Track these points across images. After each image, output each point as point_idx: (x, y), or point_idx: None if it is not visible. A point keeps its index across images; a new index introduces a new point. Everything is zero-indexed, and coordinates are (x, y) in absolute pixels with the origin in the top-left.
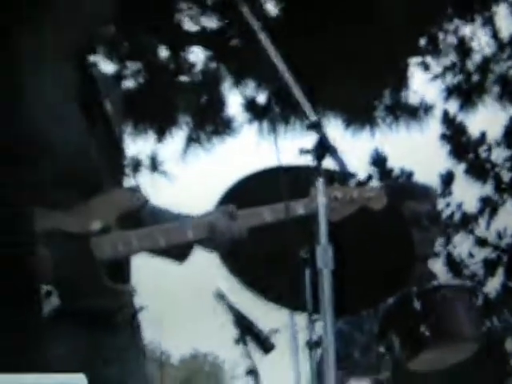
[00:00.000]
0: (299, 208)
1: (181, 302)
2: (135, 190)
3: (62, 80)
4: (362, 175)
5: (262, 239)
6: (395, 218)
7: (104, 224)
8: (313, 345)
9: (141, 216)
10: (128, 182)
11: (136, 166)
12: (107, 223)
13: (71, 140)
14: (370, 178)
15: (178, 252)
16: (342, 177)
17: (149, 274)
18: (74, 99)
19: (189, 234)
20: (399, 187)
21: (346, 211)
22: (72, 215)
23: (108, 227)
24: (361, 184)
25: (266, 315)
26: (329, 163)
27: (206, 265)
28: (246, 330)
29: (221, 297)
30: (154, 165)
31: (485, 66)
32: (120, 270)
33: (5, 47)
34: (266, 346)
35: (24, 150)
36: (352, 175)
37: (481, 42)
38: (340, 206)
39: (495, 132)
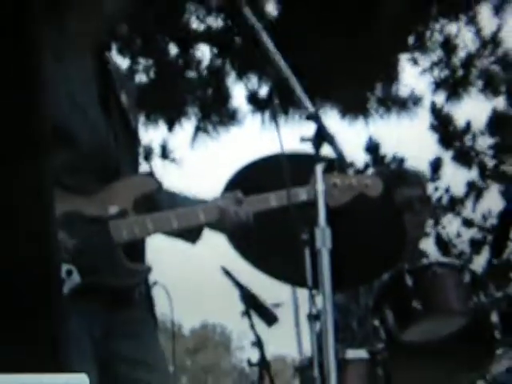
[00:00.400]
0: (302, 194)
1: (192, 278)
2: (149, 175)
3: (82, 72)
4: (357, 162)
5: (266, 222)
6: (388, 202)
7: (121, 208)
8: (313, 317)
9: (155, 200)
10: (142, 168)
11: (148, 153)
12: (124, 207)
13: (91, 129)
14: (366, 166)
15: (191, 234)
16: (341, 165)
17: (162, 252)
18: (94, 90)
19: (200, 216)
20: (392, 173)
21: (344, 197)
22: (92, 200)
23: (125, 211)
24: (358, 172)
25: (270, 290)
26: (327, 151)
27: (214, 243)
28: (251, 304)
29: (227, 274)
30: (165, 153)
31: (469, 61)
32: (136, 250)
33: (29, 40)
34: (269, 318)
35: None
36: (350, 163)
37: (465, 39)
38: (339, 193)
39: (479, 122)
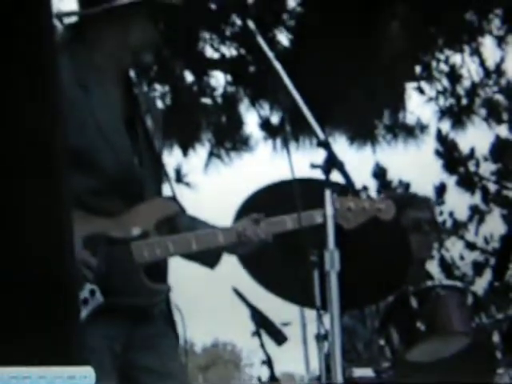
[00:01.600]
0: (317, 217)
1: (205, 299)
2: (172, 199)
3: (107, 99)
4: (364, 187)
5: (277, 244)
6: (395, 226)
7: (143, 230)
8: (321, 338)
9: (176, 223)
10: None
11: (165, 177)
12: (146, 229)
13: (116, 154)
14: (379, 191)
15: (210, 258)
16: (354, 189)
17: (178, 274)
18: (119, 116)
19: (219, 238)
20: (401, 197)
21: (358, 220)
22: (115, 221)
23: (147, 232)
24: (371, 196)
25: (280, 310)
26: (336, 177)
27: (227, 265)
28: (261, 324)
29: (239, 295)
30: (179, 176)
31: (473, 90)
32: (158, 270)
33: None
34: (279, 338)
35: (76, 161)
36: (363, 187)
37: (469, 69)
38: (353, 216)
39: (483, 148)
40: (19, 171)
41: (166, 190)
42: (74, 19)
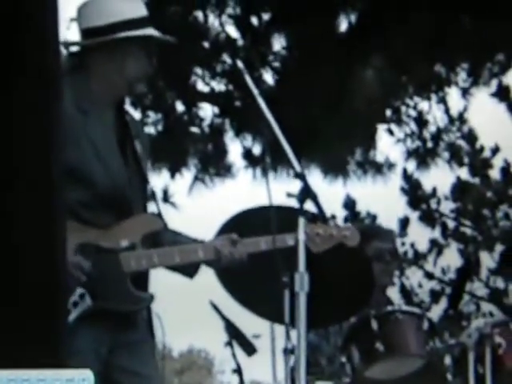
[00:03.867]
0: (289, 240)
1: (183, 309)
2: (157, 215)
3: (103, 123)
4: (336, 216)
5: (253, 263)
6: (360, 253)
7: (131, 242)
8: (288, 351)
9: (161, 237)
10: (151, 208)
11: (151, 196)
12: (134, 241)
13: (109, 172)
14: (346, 220)
15: (189, 270)
16: (323, 218)
17: (157, 284)
18: (113, 139)
19: (200, 254)
20: (367, 228)
21: (325, 245)
22: (106, 233)
23: (134, 244)
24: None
25: (252, 324)
26: (309, 206)
27: (205, 278)
28: (234, 335)
29: (215, 307)
30: (166, 197)
31: (438, 135)
32: (142, 280)
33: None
34: (249, 349)
35: (72, 176)
36: (332, 216)
37: (435, 116)
38: (321, 241)
39: (444, 188)
40: (17, 181)
41: (152, 208)
42: (75, 48)
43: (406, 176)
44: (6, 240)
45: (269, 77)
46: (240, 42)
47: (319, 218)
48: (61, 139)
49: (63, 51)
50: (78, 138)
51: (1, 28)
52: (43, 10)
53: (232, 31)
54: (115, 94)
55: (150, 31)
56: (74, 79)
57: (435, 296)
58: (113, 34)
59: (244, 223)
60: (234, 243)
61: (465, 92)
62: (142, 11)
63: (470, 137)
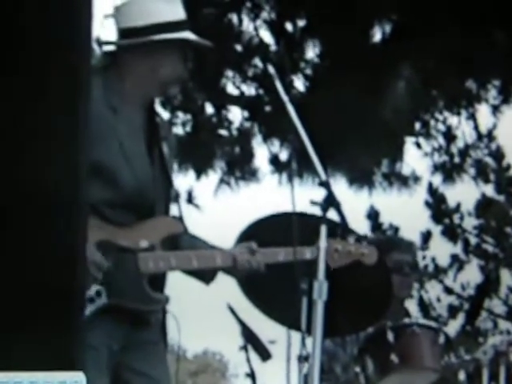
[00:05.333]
0: (307, 253)
1: (200, 310)
2: (178, 218)
3: (132, 123)
4: (358, 227)
5: (273, 270)
6: (381, 265)
7: (150, 243)
8: (303, 359)
9: (180, 240)
10: (174, 211)
11: (175, 197)
12: (153, 243)
13: (134, 173)
14: (365, 237)
15: (206, 275)
16: (343, 231)
17: (176, 287)
18: (141, 139)
19: (217, 260)
20: (389, 240)
21: (343, 262)
22: (126, 232)
23: (153, 246)
24: (358, 240)
25: (268, 329)
26: (332, 215)
27: (223, 281)
28: (249, 339)
29: (232, 311)
30: (190, 198)
31: (465, 151)
32: (158, 281)
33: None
34: (264, 354)
35: (97, 174)
36: (351, 230)
37: (464, 131)
38: (339, 257)
39: (468, 204)
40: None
41: (174, 210)
42: (111, 47)
43: (431, 190)
44: (21, 238)
45: (300, 83)
46: (273, 47)
47: (341, 228)
48: (87, 141)
49: (98, 49)
50: (106, 135)
51: (31, 27)
52: (77, 10)
53: (266, 36)
54: (147, 95)
55: (188, 35)
56: (107, 77)
57: (453, 311)
58: (151, 35)
59: (265, 229)
60: (252, 252)
61: (495, 109)
62: (180, 14)
63: (498, 154)
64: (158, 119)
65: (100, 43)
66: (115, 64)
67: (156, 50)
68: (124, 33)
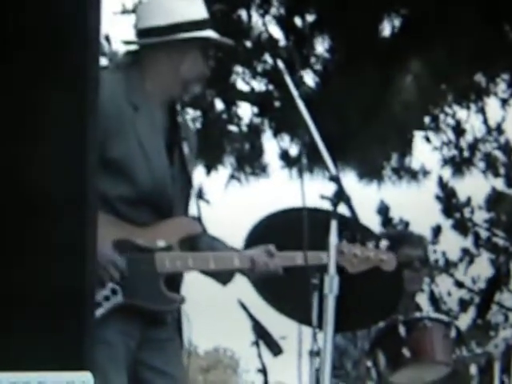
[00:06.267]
0: (324, 257)
1: (211, 306)
2: (197, 219)
3: (153, 122)
4: (368, 222)
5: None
6: None
7: (168, 243)
8: (314, 354)
9: (197, 241)
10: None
11: (195, 198)
12: (170, 243)
13: (153, 171)
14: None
15: (223, 277)
16: (355, 220)
17: (187, 283)
18: (161, 138)
19: (235, 262)
20: (399, 234)
21: (361, 267)
22: (144, 231)
23: (170, 246)
24: (377, 246)
25: (279, 324)
26: (342, 209)
27: (234, 279)
28: (261, 335)
29: (243, 306)
30: (201, 193)
31: (474, 144)
32: (175, 281)
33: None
34: (275, 350)
35: (115, 170)
36: (366, 229)
37: (473, 125)
38: (358, 262)
39: (478, 198)
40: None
41: (193, 211)
42: (133, 46)
43: (441, 184)
44: (31, 238)
45: (309, 78)
46: (282, 43)
47: (360, 238)
48: (96, 144)
49: (120, 48)
50: (126, 132)
51: (40, 27)
52: (86, 10)
53: (275, 31)
54: (168, 94)
55: (210, 33)
56: (129, 75)
57: (464, 305)
58: (173, 34)
59: (275, 225)
60: (270, 255)
61: (504, 103)
62: (202, 12)
63: (507, 148)
64: (179, 119)
65: (124, 42)
66: (137, 62)
67: (178, 48)
68: (146, 32)
